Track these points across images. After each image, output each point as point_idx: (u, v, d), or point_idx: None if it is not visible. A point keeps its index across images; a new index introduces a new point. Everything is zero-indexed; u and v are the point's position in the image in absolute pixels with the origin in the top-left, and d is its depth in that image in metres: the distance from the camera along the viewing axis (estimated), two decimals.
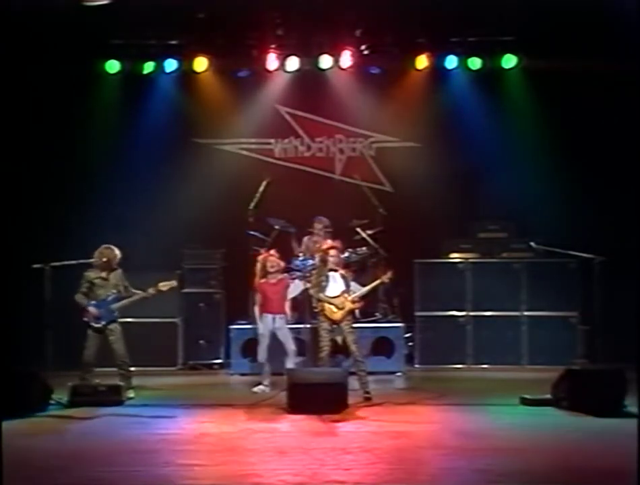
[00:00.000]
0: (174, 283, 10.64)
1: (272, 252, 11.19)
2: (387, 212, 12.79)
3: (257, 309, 11.03)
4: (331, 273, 10.36)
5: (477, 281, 12.84)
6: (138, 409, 9.75)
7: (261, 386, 10.82)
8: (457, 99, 13.50)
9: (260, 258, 11.12)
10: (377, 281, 10.65)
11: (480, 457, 7.47)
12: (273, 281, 10.96)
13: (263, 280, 10.97)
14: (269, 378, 10.85)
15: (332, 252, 10.40)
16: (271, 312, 10.90)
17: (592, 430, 8.50)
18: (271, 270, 10.93)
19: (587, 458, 7.44)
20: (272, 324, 10.86)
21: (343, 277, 10.39)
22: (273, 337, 10.87)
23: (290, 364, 10.66)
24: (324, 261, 10.44)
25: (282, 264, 11.13)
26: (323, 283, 10.31)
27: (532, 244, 12.10)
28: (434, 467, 7.29)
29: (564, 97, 12.76)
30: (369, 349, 11.91)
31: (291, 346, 10.89)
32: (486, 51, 13.21)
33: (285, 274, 11.29)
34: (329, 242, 10.76)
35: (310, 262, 12.05)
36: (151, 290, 10.38)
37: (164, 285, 10.41)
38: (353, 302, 10.30)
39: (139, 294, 10.43)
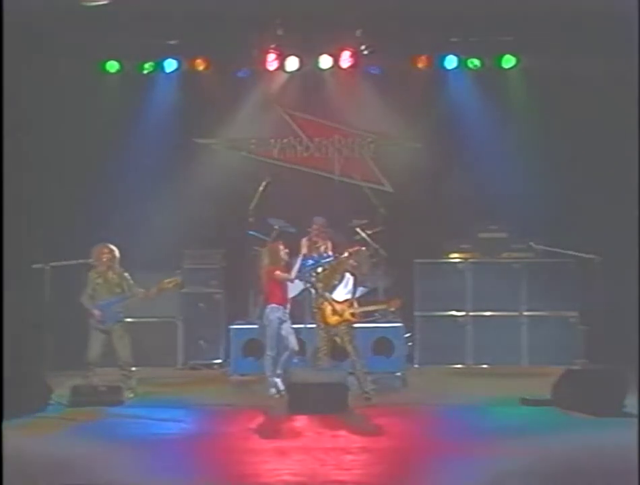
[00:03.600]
0: (178, 279, 10.63)
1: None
2: (387, 212, 12.78)
3: (262, 299, 10.37)
4: (347, 275, 10.25)
5: (477, 281, 12.81)
6: (138, 409, 9.75)
7: (274, 389, 10.29)
8: (457, 99, 13.48)
9: (269, 247, 10.74)
10: (383, 306, 10.63)
11: (481, 457, 7.48)
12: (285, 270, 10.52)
13: (273, 267, 10.40)
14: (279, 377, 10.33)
15: (359, 256, 10.22)
16: (281, 303, 10.41)
17: (592, 430, 8.50)
18: (285, 258, 10.49)
19: (587, 458, 7.44)
20: (282, 316, 10.40)
21: (355, 284, 10.24)
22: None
23: (288, 361, 10.39)
24: (349, 259, 10.24)
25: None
26: (335, 282, 10.24)
27: (532, 244, 12.10)
28: (434, 467, 7.29)
29: (564, 97, 12.75)
30: (370, 349, 11.90)
31: (293, 342, 10.45)
32: (486, 51, 13.21)
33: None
34: (357, 247, 10.62)
35: (310, 262, 12.03)
36: (154, 289, 10.39)
37: (169, 282, 10.42)
38: (352, 314, 10.20)
39: (142, 292, 10.44)
